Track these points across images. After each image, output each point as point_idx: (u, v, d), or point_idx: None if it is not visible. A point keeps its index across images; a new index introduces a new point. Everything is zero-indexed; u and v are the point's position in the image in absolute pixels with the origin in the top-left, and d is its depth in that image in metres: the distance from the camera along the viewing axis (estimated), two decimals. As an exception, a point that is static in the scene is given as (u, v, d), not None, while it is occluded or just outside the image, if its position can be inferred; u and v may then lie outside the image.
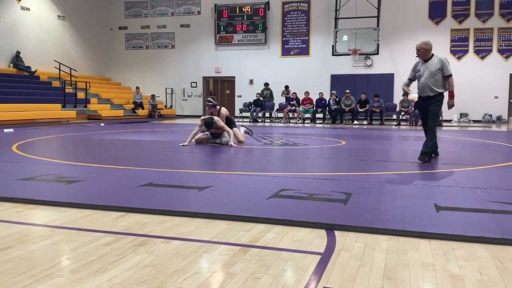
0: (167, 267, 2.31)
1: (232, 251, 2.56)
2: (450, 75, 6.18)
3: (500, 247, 2.66)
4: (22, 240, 2.73)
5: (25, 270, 2.25)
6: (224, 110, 8.44)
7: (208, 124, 8.05)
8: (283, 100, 19.94)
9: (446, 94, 6.30)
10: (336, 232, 2.91)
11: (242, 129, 8.46)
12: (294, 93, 19.24)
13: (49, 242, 2.69)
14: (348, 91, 18.27)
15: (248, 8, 21.85)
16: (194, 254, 2.51)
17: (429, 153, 6.24)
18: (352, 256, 2.50)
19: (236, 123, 9.06)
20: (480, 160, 6.67)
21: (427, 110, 6.26)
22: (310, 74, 21.05)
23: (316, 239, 2.78)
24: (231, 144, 7.90)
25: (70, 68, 19.72)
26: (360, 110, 18.07)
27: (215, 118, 8.13)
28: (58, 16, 21.14)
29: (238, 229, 2.98)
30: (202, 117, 8.33)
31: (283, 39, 21.66)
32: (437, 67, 6.14)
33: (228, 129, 8.11)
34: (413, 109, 17.29)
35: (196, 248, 2.60)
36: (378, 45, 18.14)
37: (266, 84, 20.15)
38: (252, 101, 20.04)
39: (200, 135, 8.38)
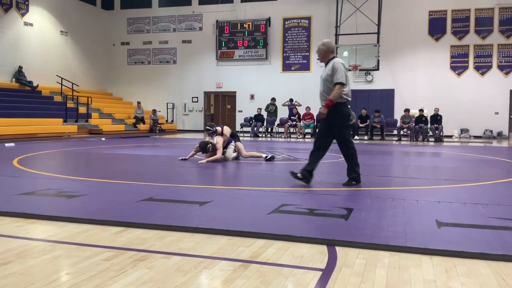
0: (167, 283, 2.29)
1: (232, 266, 2.55)
2: (339, 83, 5.19)
3: (502, 263, 2.64)
4: (21, 255, 2.72)
5: (25, 285, 2.23)
6: (226, 130, 8.36)
7: (203, 149, 8.04)
8: (284, 115, 19.98)
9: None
10: (337, 248, 2.90)
11: (231, 151, 8.26)
12: (295, 105, 19.31)
13: (49, 257, 2.68)
14: (349, 106, 18.30)
15: (249, 24, 22.04)
16: (195, 270, 2.49)
17: (356, 176, 5.45)
18: (354, 272, 2.48)
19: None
20: (481, 176, 6.65)
21: (329, 125, 5.44)
22: (311, 89, 21.05)
23: (317, 255, 2.77)
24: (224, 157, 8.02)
25: (72, 83, 19.81)
26: (361, 125, 18.10)
27: (214, 140, 8.14)
28: (61, 31, 21.32)
29: (239, 244, 2.97)
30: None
31: (284, 54, 21.80)
32: (329, 72, 5.31)
33: (221, 151, 8.05)
34: (413, 124, 17.33)
35: (196, 264, 2.59)
36: (378, 61, 18.25)
37: (273, 99, 20.23)
38: (253, 116, 20.10)
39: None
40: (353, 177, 5.43)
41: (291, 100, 19.69)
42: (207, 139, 8.24)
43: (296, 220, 3.57)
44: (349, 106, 5.59)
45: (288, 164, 8.05)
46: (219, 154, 7.98)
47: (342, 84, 5.20)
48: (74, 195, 4.54)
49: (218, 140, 8.10)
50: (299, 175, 5.41)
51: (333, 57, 5.44)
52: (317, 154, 5.47)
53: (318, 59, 5.72)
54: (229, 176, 6.62)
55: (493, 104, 19.28)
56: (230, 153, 8.19)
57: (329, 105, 5.28)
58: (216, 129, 8.39)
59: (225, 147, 8.22)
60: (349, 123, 5.65)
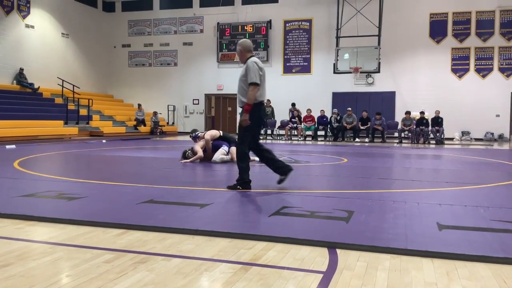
0: (168, 285, 2.29)
1: (233, 269, 2.54)
2: (252, 84, 4.94)
3: (503, 266, 2.64)
4: (22, 257, 2.72)
5: (25, 288, 2.23)
6: (208, 134, 8.48)
7: (183, 156, 8.38)
8: (284, 117, 19.98)
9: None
10: (338, 251, 2.89)
11: (219, 154, 8.27)
12: (297, 110, 19.32)
13: (49, 259, 2.67)
14: (350, 108, 18.34)
15: (250, 26, 22.06)
16: (195, 272, 2.49)
17: (241, 181, 5.15)
18: (354, 275, 2.48)
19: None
20: (482, 179, 6.64)
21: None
22: (312, 91, 21.15)
23: (318, 257, 2.76)
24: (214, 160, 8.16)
25: (73, 85, 19.85)
26: (362, 127, 18.10)
27: (193, 147, 8.37)
28: (62, 33, 21.36)
29: (240, 247, 2.96)
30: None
31: (285, 57, 21.82)
32: (243, 72, 5.07)
33: (200, 152, 8.21)
34: (414, 127, 17.32)
35: (197, 266, 2.58)
36: (379, 63, 18.26)
37: (268, 101, 20.23)
38: (254, 118, 20.08)
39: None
40: (239, 182, 5.16)
41: (293, 104, 19.66)
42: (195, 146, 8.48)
43: (297, 223, 3.56)
44: (264, 107, 5.26)
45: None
46: (199, 154, 8.19)
47: (256, 85, 4.98)
48: (74, 197, 4.54)
49: (196, 144, 8.37)
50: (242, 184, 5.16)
51: (250, 57, 5.20)
52: (240, 156, 5.23)
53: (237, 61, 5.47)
54: (230, 178, 6.61)
55: (494, 107, 19.28)
56: (217, 155, 8.19)
57: (248, 109, 5.01)
58: (197, 134, 8.59)
59: (213, 150, 8.32)
60: (256, 127, 5.25)
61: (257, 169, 7.36)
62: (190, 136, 8.81)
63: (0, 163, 7.83)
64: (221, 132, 8.66)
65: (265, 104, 5.43)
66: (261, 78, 5.12)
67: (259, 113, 5.20)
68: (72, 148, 11.76)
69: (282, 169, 5.33)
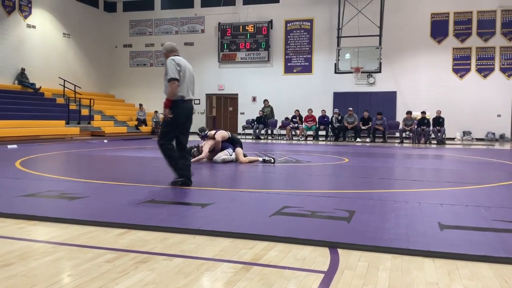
0: (169, 285, 2.29)
1: (234, 269, 2.55)
2: (172, 79, 5.09)
3: (504, 266, 2.64)
4: (23, 256, 2.72)
5: (27, 287, 2.24)
6: (219, 134, 8.39)
7: (189, 154, 8.18)
8: (281, 116, 19.97)
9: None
10: (340, 250, 2.89)
11: (222, 154, 8.23)
12: (297, 110, 19.32)
13: (51, 259, 2.68)
14: (351, 108, 18.33)
15: (252, 26, 22.06)
16: (196, 272, 2.49)
17: (181, 178, 5.32)
18: (356, 275, 2.48)
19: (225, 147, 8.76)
20: (483, 179, 6.64)
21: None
22: (313, 91, 21.14)
23: (319, 257, 2.76)
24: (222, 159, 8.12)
25: (75, 85, 19.85)
26: (363, 127, 18.09)
27: (200, 145, 8.32)
28: (64, 33, 21.38)
29: (241, 246, 2.96)
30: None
31: (286, 57, 21.81)
32: (164, 71, 5.25)
33: (204, 153, 8.13)
34: (415, 127, 17.31)
35: (198, 266, 2.58)
36: (380, 63, 18.24)
37: (266, 101, 20.25)
38: (255, 118, 20.11)
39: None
40: (178, 179, 5.30)
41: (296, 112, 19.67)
42: (201, 144, 8.38)
43: (298, 222, 3.56)
44: (190, 103, 5.43)
45: (290, 166, 8.05)
46: (203, 155, 8.14)
47: (174, 80, 5.09)
48: (76, 197, 4.55)
49: (205, 143, 8.28)
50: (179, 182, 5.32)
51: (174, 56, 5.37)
52: (164, 153, 5.32)
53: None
54: (231, 178, 6.62)
55: (496, 107, 19.25)
56: (219, 155, 8.15)
57: (167, 104, 5.16)
58: (207, 133, 8.49)
59: (219, 150, 8.25)
60: (179, 124, 5.33)
61: (259, 170, 7.37)
62: (198, 135, 8.72)
63: (2, 163, 7.84)
64: (229, 133, 8.61)
65: (192, 101, 5.53)
66: (183, 75, 5.23)
67: (182, 110, 5.28)
68: (73, 148, 11.77)
69: (183, 174, 5.34)
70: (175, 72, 5.12)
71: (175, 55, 5.35)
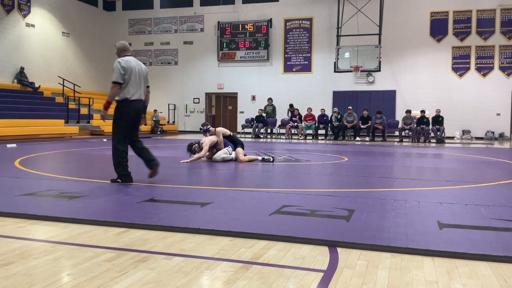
0: (169, 284, 2.29)
1: (234, 268, 2.55)
2: (113, 82, 5.28)
3: (503, 265, 2.64)
4: (23, 255, 2.72)
5: (26, 286, 2.24)
6: (219, 130, 8.39)
7: (189, 149, 8.20)
8: (285, 116, 19.98)
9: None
10: (339, 249, 2.90)
11: (221, 153, 8.22)
12: (297, 109, 19.32)
13: (50, 258, 2.68)
14: (350, 107, 18.34)
15: (251, 25, 22.05)
16: (196, 271, 2.49)
17: (120, 175, 5.46)
18: (355, 273, 2.48)
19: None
20: (483, 177, 6.64)
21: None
22: (312, 90, 21.15)
23: (319, 256, 2.77)
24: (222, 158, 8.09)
25: (74, 84, 19.84)
26: (362, 126, 18.09)
27: (201, 140, 8.24)
28: (63, 32, 21.36)
29: (240, 245, 2.97)
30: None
31: (285, 56, 21.81)
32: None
33: (203, 152, 8.09)
34: (415, 125, 17.32)
35: (197, 265, 2.59)
36: (379, 62, 18.25)
37: (270, 100, 20.22)
38: (254, 117, 20.11)
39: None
40: (118, 175, 5.47)
41: (291, 105, 19.60)
42: (202, 139, 8.32)
43: (297, 221, 3.56)
44: (138, 103, 5.53)
45: (289, 165, 8.06)
46: (202, 153, 8.05)
47: (116, 83, 5.28)
48: (75, 196, 4.54)
49: (206, 139, 8.19)
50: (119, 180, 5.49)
51: (125, 56, 5.54)
52: (114, 149, 5.50)
53: None
54: (231, 177, 6.62)
55: (495, 105, 19.27)
56: (219, 154, 8.13)
57: (106, 106, 5.39)
58: (209, 128, 8.44)
59: (218, 150, 8.23)
60: (125, 124, 5.47)
61: (258, 169, 7.37)
62: (201, 129, 8.70)
63: (1, 162, 7.84)
64: (231, 134, 8.60)
65: (141, 101, 5.62)
66: (128, 77, 5.35)
67: (128, 110, 5.41)
68: (73, 147, 11.77)
69: (150, 162, 5.60)
70: (118, 76, 5.29)
71: (126, 55, 5.52)
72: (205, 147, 8.07)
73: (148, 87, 5.72)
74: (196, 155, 8.06)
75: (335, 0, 19.81)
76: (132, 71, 5.39)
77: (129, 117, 5.44)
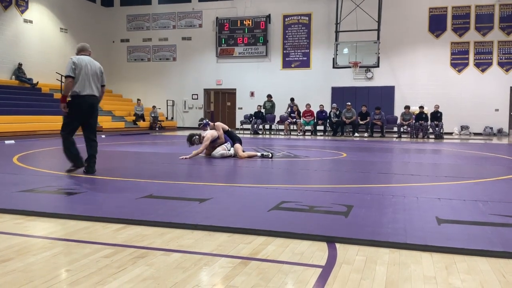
0: (167, 280, 2.29)
1: (232, 263, 2.55)
2: (66, 76, 5.74)
3: (502, 260, 2.65)
4: (21, 252, 2.72)
5: (25, 283, 2.24)
6: (218, 125, 8.39)
7: (190, 141, 8.26)
8: (283, 112, 19.95)
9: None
10: (337, 245, 2.90)
11: (220, 149, 8.20)
12: (296, 105, 19.31)
13: (49, 254, 2.68)
14: (349, 103, 18.32)
15: (249, 21, 22.00)
16: (194, 267, 2.49)
17: (75, 163, 5.90)
18: (354, 269, 2.48)
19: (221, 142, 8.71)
20: (481, 173, 6.65)
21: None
22: (311, 86, 21.13)
23: (317, 251, 2.77)
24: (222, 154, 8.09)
25: (72, 80, 19.77)
26: (361, 122, 18.09)
27: (202, 133, 8.24)
28: (61, 28, 21.29)
29: (239, 241, 2.97)
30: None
31: (284, 51, 21.78)
32: None
33: (202, 147, 8.07)
34: (414, 121, 17.32)
35: (196, 261, 2.59)
36: (378, 58, 18.23)
37: (269, 96, 20.17)
38: (253, 113, 20.08)
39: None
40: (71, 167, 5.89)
41: (292, 99, 19.56)
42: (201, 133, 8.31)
43: (296, 217, 3.57)
44: (89, 98, 5.85)
45: (288, 161, 8.06)
46: (201, 148, 8.03)
47: (68, 77, 5.69)
48: (74, 192, 4.54)
49: (207, 133, 8.18)
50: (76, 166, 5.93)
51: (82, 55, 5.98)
52: (63, 140, 5.94)
53: None
54: (229, 173, 6.62)
55: (493, 101, 19.28)
56: (218, 150, 8.12)
57: (62, 99, 5.82)
58: (207, 122, 8.45)
59: (218, 144, 8.21)
60: (75, 117, 5.86)
61: (257, 165, 7.37)
62: (199, 124, 8.69)
63: (0, 158, 7.83)
64: (229, 129, 8.59)
65: (93, 96, 5.93)
66: (78, 73, 5.74)
67: (78, 104, 5.79)
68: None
69: (74, 163, 5.94)
70: (69, 70, 5.71)
71: (82, 55, 5.95)
72: (206, 142, 8.04)
73: (103, 86, 6.11)
74: (195, 151, 8.04)
75: (333, -4, 19.77)
76: (81, 68, 5.76)
77: (78, 111, 5.81)
